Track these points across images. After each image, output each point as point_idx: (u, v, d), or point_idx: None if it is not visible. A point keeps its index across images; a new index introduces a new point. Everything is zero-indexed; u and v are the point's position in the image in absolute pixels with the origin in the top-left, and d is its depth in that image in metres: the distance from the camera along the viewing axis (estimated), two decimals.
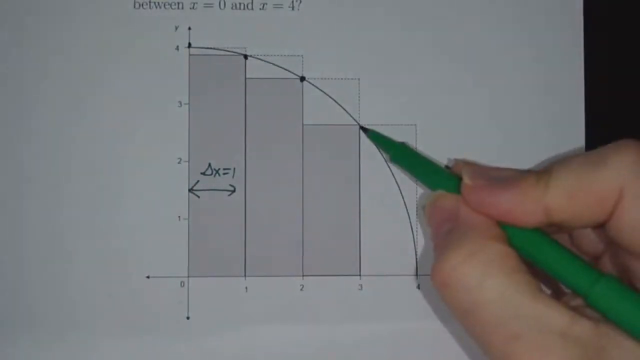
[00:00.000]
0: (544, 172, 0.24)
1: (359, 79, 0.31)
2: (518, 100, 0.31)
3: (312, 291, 0.30)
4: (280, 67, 0.31)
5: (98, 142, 0.30)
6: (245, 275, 0.30)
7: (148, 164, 0.30)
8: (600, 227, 0.24)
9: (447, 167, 0.29)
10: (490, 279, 0.23)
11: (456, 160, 0.29)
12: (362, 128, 0.30)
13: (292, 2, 0.31)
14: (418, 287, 0.30)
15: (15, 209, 0.30)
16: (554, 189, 0.23)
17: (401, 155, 0.29)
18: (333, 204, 0.31)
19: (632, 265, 0.24)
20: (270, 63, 0.31)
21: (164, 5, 0.31)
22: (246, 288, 0.30)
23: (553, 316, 0.23)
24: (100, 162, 0.30)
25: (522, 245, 0.25)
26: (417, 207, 0.31)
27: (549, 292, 0.24)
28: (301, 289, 0.30)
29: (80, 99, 0.30)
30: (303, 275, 0.30)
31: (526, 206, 0.24)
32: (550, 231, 0.25)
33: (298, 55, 0.31)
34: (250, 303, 0.30)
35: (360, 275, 0.30)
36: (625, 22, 0.32)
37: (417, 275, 0.30)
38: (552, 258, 0.24)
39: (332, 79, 0.31)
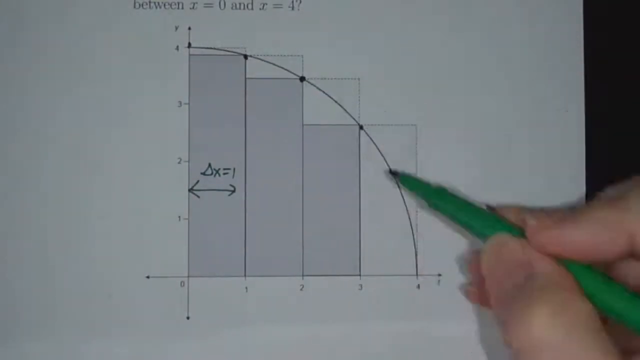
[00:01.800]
0: (617, 199, 0.23)
1: (359, 79, 0.31)
2: (518, 100, 0.31)
3: (312, 291, 0.30)
4: (280, 67, 0.31)
5: (98, 142, 0.30)
6: (245, 275, 0.30)
7: (148, 164, 0.30)
8: None
9: (490, 208, 0.27)
10: (577, 340, 0.22)
11: (498, 205, 0.27)
12: (392, 172, 0.30)
13: (292, 2, 0.31)
14: (418, 287, 0.30)
15: (14, 208, 0.30)
16: (636, 212, 0.22)
17: (440, 200, 0.27)
18: (333, 204, 0.31)
19: None
20: (270, 63, 0.31)
21: (164, 5, 0.31)
22: (246, 288, 0.30)
23: None
24: (100, 162, 0.30)
25: (592, 291, 0.23)
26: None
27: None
28: (301, 289, 0.30)
29: (80, 98, 0.30)
30: (303, 275, 0.30)
31: (608, 233, 0.22)
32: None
33: (298, 55, 0.31)
34: (250, 303, 0.30)
35: (360, 275, 0.30)
36: (625, 21, 0.32)
37: (417, 275, 0.30)
38: (625, 305, 0.22)
39: (332, 79, 0.31)
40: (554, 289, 0.22)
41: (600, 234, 0.23)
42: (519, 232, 0.25)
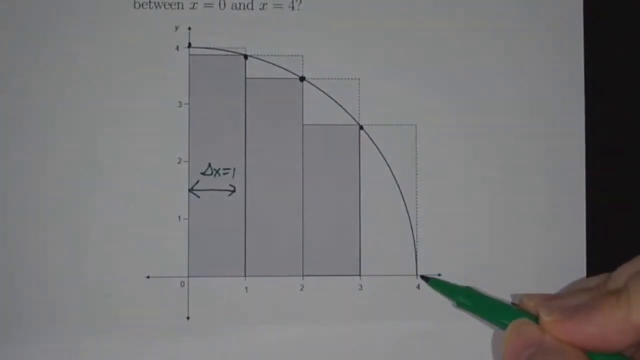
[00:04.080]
0: (621, 290, 0.24)
1: (359, 79, 0.31)
2: (518, 99, 0.31)
3: (312, 291, 0.30)
4: (280, 67, 0.31)
5: (98, 142, 0.30)
6: (245, 275, 0.30)
7: (148, 164, 0.30)
8: None
9: (513, 304, 0.28)
10: None
11: (519, 296, 0.28)
12: (423, 277, 0.30)
13: (292, 2, 0.31)
14: (418, 287, 0.30)
15: (15, 208, 0.30)
16: (638, 305, 0.23)
17: (468, 299, 0.28)
18: (333, 204, 0.31)
19: None
20: (270, 63, 0.31)
21: (164, 5, 0.31)
22: (246, 288, 0.30)
23: None
24: (100, 162, 0.30)
25: None
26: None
27: None
28: (301, 289, 0.30)
29: (80, 98, 0.30)
30: (303, 275, 0.30)
31: (616, 328, 0.24)
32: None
33: (298, 55, 0.31)
34: (250, 303, 0.30)
35: (360, 275, 0.30)
36: (625, 21, 0.32)
37: (417, 275, 0.30)
38: None
39: (332, 79, 0.31)
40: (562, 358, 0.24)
41: (608, 329, 0.24)
42: (538, 321, 0.26)
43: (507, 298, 0.30)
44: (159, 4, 0.31)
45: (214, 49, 0.31)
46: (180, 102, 0.31)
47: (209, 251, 0.30)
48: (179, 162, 0.31)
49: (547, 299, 0.26)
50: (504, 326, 0.27)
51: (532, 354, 0.25)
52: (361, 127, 0.31)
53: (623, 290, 0.24)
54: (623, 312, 0.24)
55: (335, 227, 0.31)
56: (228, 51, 0.31)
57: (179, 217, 0.30)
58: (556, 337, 0.25)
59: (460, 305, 0.28)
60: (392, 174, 0.31)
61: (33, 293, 0.30)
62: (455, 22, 0.31)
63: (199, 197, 0.31)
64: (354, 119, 0.31)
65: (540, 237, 0.31)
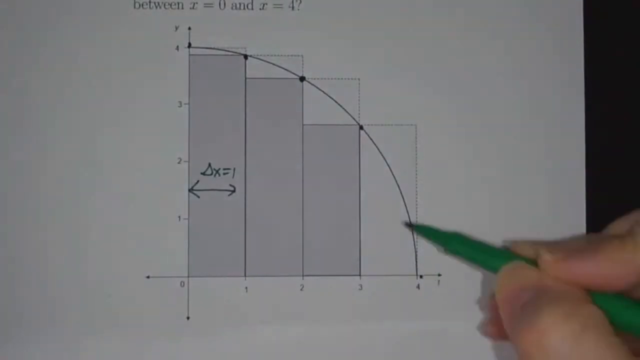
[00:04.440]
0: (626, 234, 0.24)
1: (359, 79, 0.31)
2: (518, 100, 0.31)
3: (312, 291, 0.30)
4: (280, 67, 0.31)
5: (98, 142, 0.30)
6: (245, 275, 0.30)
7: (148, 164, 0.30)
8: None
9: (507, 248, 0.27)
10: (588, 342, 0.22)
11: (513, 241, 0.27)
12: (407, 224, 0.30)
13: (292, 2, 0.31)
14: (418, 287, 0.30)
15: (15, 208, 0.30)
16: None
17: (459, 245, 0.28)
18: (333, 204, 0.31)
19: None
20: (270, 63, 0.31)
21: (164, 5, 0.31)
22: (246, 288, 0.30)
23: None
24: (100, 162, 0.30)
25: (607, 309, 0.24)
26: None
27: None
28: (301, 289, 0.30)
29: (80, 98, 0.30)
30: (303, 275, 0.30)
31: (620, 269, 0.24)
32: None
33: (298, 55, 0.31)
34: (250, 303, 0.30)
35: (360, 275, 0.30)
36: (625, 21, 0.32)
37: (417, 275, 0.30)
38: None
39: (332, 79, 0.31)
40: (564, 298, 0.24)
41: (612, 269, 0.24)
42: (533, 264, 0.26)
43: None
44: (159, 4, 0.31)
45: (214, 49, 0.31)
46: (180, 102, 0.31)
47: (209, 251, 0.30)
48: (179, 162, 0.31)
49: (544, 242, 0.26)
50: (497, 271, 0.26)
51: (531, 296, 0.24)
52: (361, 127, 0.31)
53: (628, 234, 0.24)
54: (628, 254, 0.23)
55: (335, 227, 0.31)
56: (228, 51, 0.31)
57: (179, 217, 0.30)
58: (556, 278, 0.24)
59: (451, 252, 0.28)
60: (392, 174, 0.31)
61: (33, 293, 0.30)
62: (455, 22, 0.31)
63: (199, 197, 0.31)
64: (354, 119, 0.31)
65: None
